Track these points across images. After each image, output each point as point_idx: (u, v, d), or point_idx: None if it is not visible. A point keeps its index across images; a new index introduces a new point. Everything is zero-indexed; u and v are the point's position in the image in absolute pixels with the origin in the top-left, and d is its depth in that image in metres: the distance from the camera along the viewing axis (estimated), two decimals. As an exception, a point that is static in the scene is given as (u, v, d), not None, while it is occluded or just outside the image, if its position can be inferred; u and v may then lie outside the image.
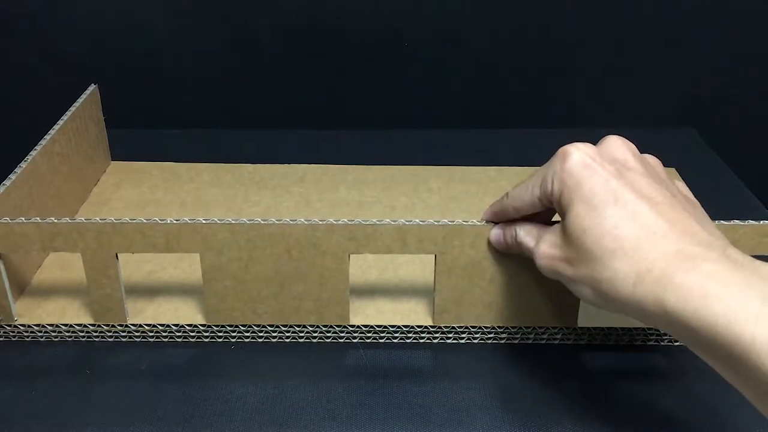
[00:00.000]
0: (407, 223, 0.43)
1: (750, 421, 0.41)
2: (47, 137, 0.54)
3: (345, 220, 0.43)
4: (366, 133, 0.75)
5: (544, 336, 0.47)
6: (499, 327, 0.47)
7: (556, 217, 0.40)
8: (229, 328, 0.47)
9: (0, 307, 0.46)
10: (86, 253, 0.44)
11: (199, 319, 0.47)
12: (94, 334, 0.47)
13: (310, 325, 0.47)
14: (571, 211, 0.36)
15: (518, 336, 0.47)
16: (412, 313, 0.48)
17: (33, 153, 0.51)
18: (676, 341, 0.47)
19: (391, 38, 0.82)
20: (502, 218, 0.43)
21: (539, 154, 0.71)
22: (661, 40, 0.83)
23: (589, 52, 0.83)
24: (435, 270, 0.45)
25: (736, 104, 0.88)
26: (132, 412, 0.42)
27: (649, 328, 0.47)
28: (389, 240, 0.43)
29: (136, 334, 0.47)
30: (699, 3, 0.81)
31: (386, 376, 0.45)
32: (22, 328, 0.47)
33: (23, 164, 0.50)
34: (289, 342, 0.47)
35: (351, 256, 0.44)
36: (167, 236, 0.43)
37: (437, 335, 0.47)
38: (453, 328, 0.47)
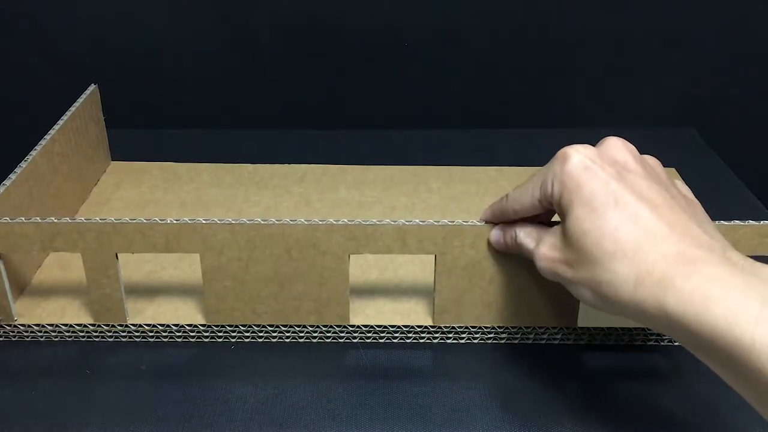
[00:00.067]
0: (407, 223, 0.43)
1: (750, 421, 0.41)
2: (47, 137, 0.54)
3: (345, 220, 0.43)
4: (366, 133, 0.75)
5: (544, 336, 0.47)
6: (499, 327, 0.47)
7: (556, 217, 0.40)
8: (229, 328, 0.47)
9: (0, 307, 0.46)
10: (86, 253, 0.44)
11: (199, 319, 0.47)
12: (94, 334, 0.47)
13: (310, 325, 0.47)
14: (571, 214, 0.36)
15: (518, 336, 0.47)
16: (412, 313, 0.48)
17: (33, 153, 0.51)
18: (676, 341, 0.47)
19: (391, 38, 0.82)
20: (502, 220, 0.43)
21: (539, 154, 0.71)
22: (661, 40, 0.83)
23: (589, 52, 0.83)
24: (435, 270, 0.45)
25: (736, 104, 0.88)
26: (132, 412, 0.42)
27: (649, 328, 0.47)
28: (389, 240, 0.43)
29: (136, 334, 0.47)
30: (699, 3, 0.81)
31: (386, 376, 0.45)
32: (22, 328, 0.47)
33: (23, 164, 0.50)
34: (289, 342, 0.47)
35: (351, 256, 0.44)
36: (167, 236, 0.43)
37: (437, 335, 0.47)
38: (453, 328, 0.47)
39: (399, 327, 0.47)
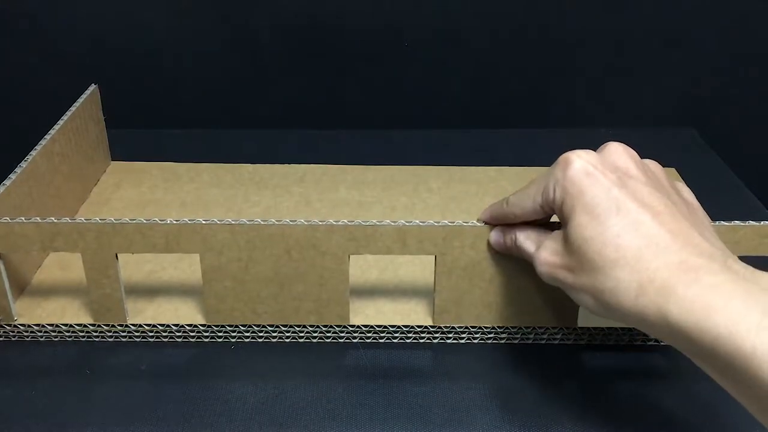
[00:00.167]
0: (407, 223, 0.43)
1: (750, 421, 0.41)
2: (47, 137, 0.54)
3: (345, 220, 0.43)
4: (366, 133, 0.75)
5: (544, 336, 0.47)
6: (499, 327, 0.47)
7: (555, 218, 0.40)
8: (229, 328, 0.47)
9: (0, 307, 0.46)
10: (86, 253, 0.44)
11: (199, 319, 0.47)
12: (94, 334, 0.47)
13: (310, 325, 0.47)
14: (573, 220, 0.36)
15: (518, 336, 0.47)
16: (412, 313, 0.48)
17: (33, 153, 0.51)
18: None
19: (391, 38, 0.82)
20: (501, 222, 0.43)
21: (539, 154, 0.71)
22: (661, 40, 0.83)
23: (589, 52, 0.83)
24: (435, 271, 0.45)
25: (736, 104, 0.88)
26: (132, 412, 0.42)
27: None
28: (389, 241, 0.43)
29: (136, 334, 0.47)
30: (699, 3, 0.81)
31: (386, 376, 0.45)
32: (22, 328, 0.47)
33: (23, 164, 0.50)
34: (289, 342, 0.47)
35: (351, 256, 0.44)
36: (167, 236, 0.43)
37: (437, 335, 0.47)
38: (453, 328, 0.47)
39: (399, 327, 0.47)
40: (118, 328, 0.47)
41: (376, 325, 0.47)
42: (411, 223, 0.43)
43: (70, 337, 0.47)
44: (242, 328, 0.47)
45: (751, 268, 0.33)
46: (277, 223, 0.43)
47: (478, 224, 0.43)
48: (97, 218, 0.43)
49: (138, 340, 0.47)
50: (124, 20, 0.80)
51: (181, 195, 0.63)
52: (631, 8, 0.81)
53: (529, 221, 0.41)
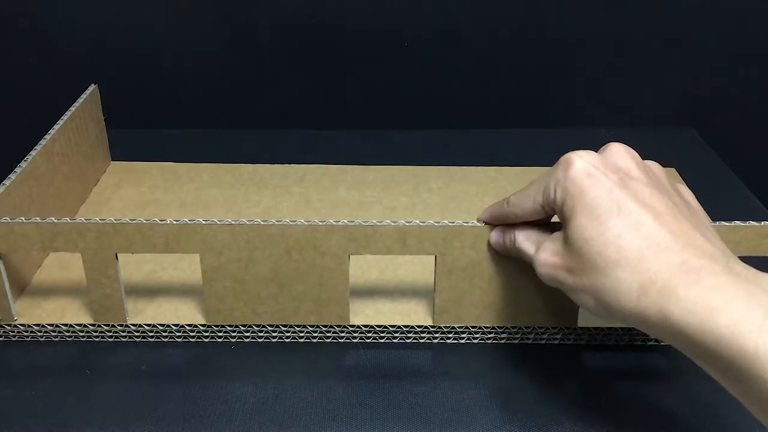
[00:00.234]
0: (407, 224, 0.43)
1: (750, 421, 0.41)
2: (47, 137, 0.54)
3: (345, 221, 0.43)
4: (366, 133, 0.75)
5: (544, 336, 0.47)
6: (499, 327, 0.47)
7: (555, 218, 0.40)
8: (229, 328, 0.47)
9: (0, 307, 0.46)
10: (86, 253, 0.44)
11: (199, 319, 0.47)
12: (94, 334, 0.47)
13: (310, 325, 0.47)
14: (574, 221, 0.36)
15: (518, 336, 0.47)
16: (412, 313, 0.48)
17: (33, 153, 0.51)
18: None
19: (391, 38, 0.82)
20: (502, 222, 0.43)
21: (539, 154, 0.71)
22: (661, 40, 0.83)
23: (589, 52, 0.83)
24: (435, 271, 0.45)
25: (736, 104, 0.88)
26: (132, 412, 0.42)
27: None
28: (389, 241, 0.43)
29: (136, 334, 0.47)
30: (699, 3, 0.81)
31: (386, 376, 0.45)
32: (22, 328, 0.47)
33: (23, 164, 0.50)
34: (289, 342, 0.47)
35: (351, 256, 0.44)
36: (167, 236, 0.43)
37: (437, 335, 0.47)
38: (453, 328, 0.47)
39: (399, 327, 0.47)
40: (118, 328, 0.47)
41: (376, 325, 0.47)
42: (411, 223, 0.43)
43: (70, 337, 0.47)
44: (242, 328, 0.47)
45: (753, 270, 0.33)
46: (277, 223, 0.43)
47: (478, 224, 0.43)
48: (97, 218, 0.43)
49: (138, 340, 0.47)
50: (124, 20, 0.81)
51: (181, 195, 0.63)
52: (631, 8, 0.81)
53: (529, 222, 0.41)
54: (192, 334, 0.47)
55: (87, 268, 0.45)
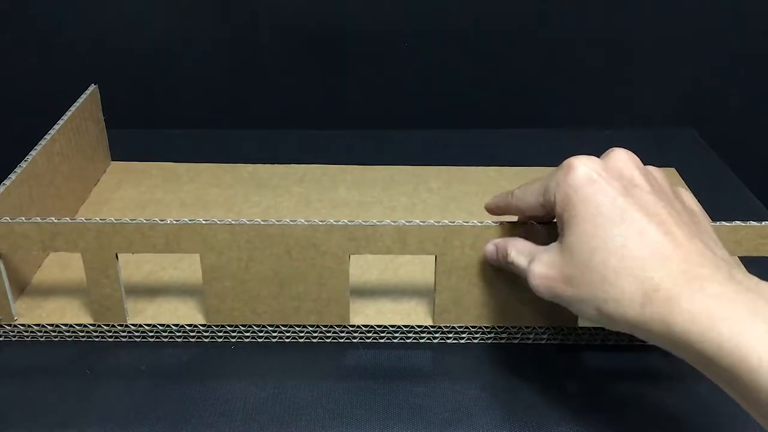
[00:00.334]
0: (407, 223, 0.43)
1: (750, 421, 0.41)
2: (47, 137, 0.54)
3: (345, 220, 0.43)
4: (366, 133, 0.75)
5: (544, 336, 0.47)
6: (499, 327, 0.47)
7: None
8: (229, 328, 0.47)
9: (0, 306, 0.46)
10: (86, 253, 0.44)
11: (199, 319, 0.47)
12: (94, 334, 0.47)
13: (310, 325, 0.47)
14: (576, 228, 0.35)
15: (518, 336, 0.47)
16: (412, 313, 0.48)
17: (33, 153, 0.51)
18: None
19: (391, 38, 0.82)
20: (504, 213, 0.43)
21: (539, 154, 0.71)
22: (660, 40, 0.83)
23: (589, 52, 0.83)
24: (435, 271, 0.45)
25: (736, 104, 0.88)
26: (132, 412, 0.42)
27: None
28: (389, 241, 0.43)
29: (136, 334, 0.47)
30: (699, 3, 0.81)
31: (386, 376, 0.45)
32: (22, 328, 0.47)
33: (23, 164, 0.50)
34: (289, 342, 0.47)
35: (351, 256, 0.44)
36: (167, 236, 0.43)
37: (437, 335, 0.47)
38: (453, 328, 0.47)
39: (399, 327, 0.47)
40: (118, 328, 0.47)
41: (376, 325, 0.47)
42: (411, 223, 0.43)
43: (70, 337, 0.47)
44: (242, 328, 0.47)
45: (755, 278, 0.33)
46: (277, 223, 0.43)
47: (478, 224, 0.43)
48: (97, 218, 0.43)
49: (138, 340, 0.47)
50: (124, 20, 0.81)
51: (181, 195, 0.63)
52: (631, 8, 0.81)
53: (523, 236, 0.41)
54: (192, 334, 0.47)
55: (87, 268, 0.45)
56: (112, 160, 0.67)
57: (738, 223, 0.43)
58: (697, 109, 0.87)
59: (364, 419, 0.42)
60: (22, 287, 0.50)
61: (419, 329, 0.47)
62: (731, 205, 0.62)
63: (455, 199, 0.62)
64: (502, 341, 0.47)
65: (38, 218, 0.43)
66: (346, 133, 0.75)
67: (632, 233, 0.34)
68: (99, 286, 0.45)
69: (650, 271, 0.33)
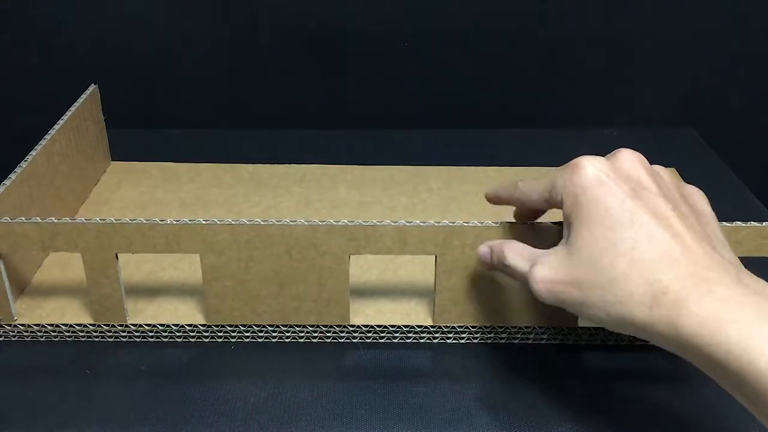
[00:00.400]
0: (407, 224, 0.43)
1: (750, 421, 0.41)
2: (47, 137, 0.54)
3: (345, 221, 0.43)
4: (366, 133, 0.75)
5: (544, 336, 0.47)
6: (499, 327, 0.47)
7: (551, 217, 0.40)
8: (229, 328, 0.47)
9: (0, 306, 0.46)
10: (86, 253, 0.44)
11: (199, 319, 0.47)
12: (94, 334, 0.47)
13: (310, 325, 0.47)
14: (584, 230, 0.35)
15: (518, 336, 0.47)
16: (412, 313, 0.48)
17: (33, 153, 0.51)
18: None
19: (391, 38, 0.82)
20: (505, 203, 0.43)
21: (539, 154, 0.71)
22: (660, 40, 0.83)
23: (589, 52, 0.83)
24: (435, 271, 0.45)
25: (736, 104, 0.88)
26: (132, 412, 0.42)
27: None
28: (389, 241, 0.43)
29: (136, 334, 0.47)
30: (699, 3, 0.81)
31: (386, 376, 0.45)
32: (22, 328, 0.47)
33: (23, 164, 0.50)
34: (289, 342, 0.47)
35: (351, 256, 0.44)
36: (167, 236, 0.43)
37: (437, 335, 0.47)
38: (453, 328, 0.47)
39: (399, 327, 0.47)
40: (118, 328, 0.47)
41: (376, 325, 0.47)
42: (411, 223, 0.43)
43: (70, 337, 0.47)
44: (242, 328, 0.47)
45: (762, 282, 0.33)
46: (277, 223, 0.43)
47: (478, 224, 0.43)
48: (97, 218, 0.43)
49: (138, 340, 0.47)
50: (124, 20, 0.81)
51: (181, 195, 0.63)
52: (631, 8, 0.81)
53: (521, 238, 0.41)
54: (192, 334, 0.47)
55: (87, 268, 0.45)
56: (112, 160, 0.67)
57: (738, 223, 0.43)
58: (697, 109, 0.87)
59: (364, 419, 0.42)
60: (22, 287, 0.50)
61: (419, 329, 0.47)
62: (731, 205, 0.62)
63: (455, 199, 0.62)
64: (502, 341, 0.47)
65: (38, 218, 0.43)
66: (346, 133, 0.75)
67: (641, 236, 0.34)
68: (99, 286, 0.45)
69: (659, 273, 0.33)
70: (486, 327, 0.47)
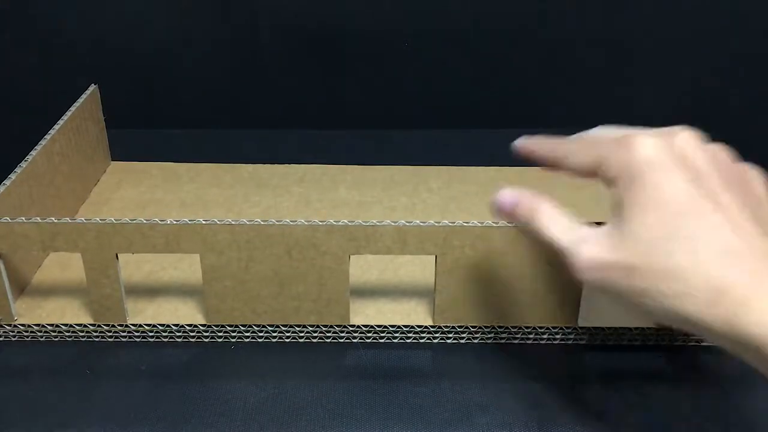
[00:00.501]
0: (407, 224, 0.43)
1: (751, 421, 0.41)
2: (47, 137, 0.54)
3: (345, 221, 0.43)
4: (366, 133, 0.75)
5: (544, 336, 0.47)
6: (499, 327, 0.47)
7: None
8: (229, 328, 0.47)
9: (0, 306, 0.46)
10: (86, 253, 0.44)
11: (199, 319, 0.47)
12: (94, 334, 0.47)
13: (310, 325, 0.47)
14: (640, 215, 0.33)
15: (518, 336, 0.47)
16: (412, 313, 0.48)
17: (33, 153, 0.51)
18: (675, 342, 0.47)
19: (391, 38, 0.82)
20: (537, 160, 0.39)
21: (539, 154, 0.70)
22: (660, 40, 0.83)
23: (589, 52, 0.83)
24: (435, 271, 0.45)
25: (736, 104, 0.87)
26: (132, 412, 0.42)
27: (649, 328, 0.47)
28: (389, 241, 0.43)
29: (136, 334, 0.47)
30: (699, 3, 0.81)
31: (386, 376, 0.45)
32: (22, 328, 0.47)
33: (23, 164, 0.50)
34: (289, 342, 0.47)
35: (351, 256, 0.44)
36: (167, 236, 0.43)
37: (437, 335, 0.47)
38: (453, 328, 0.47)
39: (399, 327, 0.47)
40: (118, 328, 0.47)
41: (376, 325, 0.47)
42: (411, 223, 0.43)
43: (70, 337, 0.47)
44: (242, 328, 0.47)
45: None
46: (277, 223, 0.43)
47: (478, 224, 0.43)
48: (97, 218, 0.43)
49: (138, 340, 0.47)
50: (124, 20, 0.80)
51: (181, 195, 0.63)
52: (631, 8, 0.81)
53: (552, 203, 0.37)
54: (192, 334, 0.47)
55: (87, 268, 0.45)
56: (112, 160, 0.67)
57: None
58: (697, 109, 0.87)
59: (364, 419, 0.42)
60: (22, 287, 0.50)
61: (419, 329, 0.47)
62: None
63: (455, 199, 0.62)
64: (502, 341, 0.47)
65: (38, 218, 0.43)
66: (346, 133, 0.75)
67: (702, 228, 0.32)
68: (99, 286, 0.45)
69: (719, 269, 0.31)
70: (486, 327, 0.47)
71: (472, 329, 0.47)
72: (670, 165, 0.33)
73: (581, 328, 0.47)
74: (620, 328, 0.47)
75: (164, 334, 0.47)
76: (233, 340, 0.47)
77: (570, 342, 0.47)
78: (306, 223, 0.43)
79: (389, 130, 0.77)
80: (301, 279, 0.45)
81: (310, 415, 0.42)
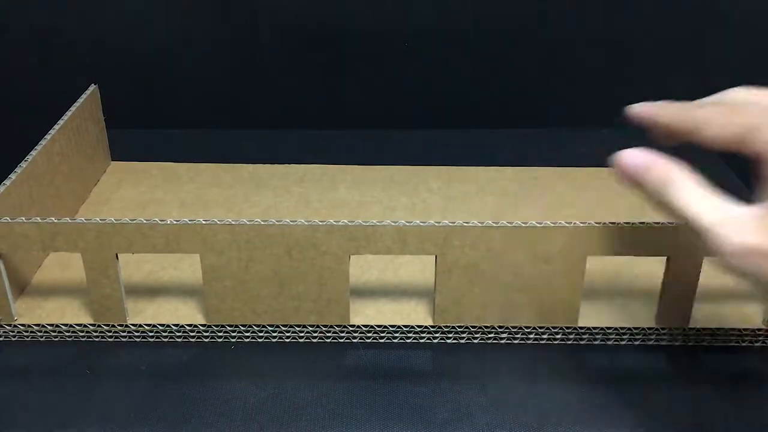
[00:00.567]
0: (407, 224, 0.43)
1: (751, 421, 0.41)
2: (47, 137, 0.54)
3: (345, 221, 0.43)
4: (366, 133, 0.75)
5: (544, 336, 0.47)
6: (499, 327, 0.47)
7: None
8: (229, 328, 0.47)
9: (0, 306, 0.46)
10: (86, 253, 0.44)
11: (199, 319, 0.47)
12: (94, 334, 0.47)
13: (310, 325, 0.47)
14: None
15: (518, 336, 0.47)
16: (412, 313, 0.48)
17: (33, 153, 0.51)
18: (675, 342, 0.47)
19: (391, 38, 0.82)
20: (674, 126, 0.36)
21: (539, 154, 0.71)
22: (661, 40, 0.83)
23: (589, 52, 0.83)
24: (435, 271, 0.45)
25: (736, 104, 0.87)
26: (132, 412, 0.42)
27: (649, 328, 0.47)
28: (389, 241, 0.43)
29: (136, 334, 0.47)
30: (699, 3, 0.81)
31: (386, 376, 0.45)
32: (22, 328, 0.47)
33: (23, 164, 0.50)
34: (289, 342, 0.47)
35: (351, 256, 0.44)
36: (167, 236, 0.43)
37: (437, 335, 0.47)
38: (453, 328, 0.47)
39: (399, 327, 0.47)
40: (118, 328, 0.47)
41: (376, 325, 0.47)
42: (411, 223, 0.43)
43: (70, 337, 0.47)
44: (242, 328, 0.47)
45: None
46: (277, 223, 0.43)
47: (478, 224, 0.43)
48: (97, 218, 0.43)
49: (138, 340, 0.47)
50: (124, 20, 0.80)
51: (181, 195, 0.63)
52: (631, 8, 0.81)
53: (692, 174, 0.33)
54: (192, 334, 0.47)
55: (87, 268, 0.45)
56: (112, 160, 0.67)
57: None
58: (697, 109, 0.87)
59: (364, 419, 0.42)
60: (22, 287, 0.50)
61: (419, 329, 0.47)
62: (731, 205, 0.62)
63: (455, 199, 0.62)
64: (502, 341, 0.47)
65: (38, 218, 0.43)
66: (346, 133, 0.75)
67: None
68: (99, 286, 0.45)
69: None
70: (486, 327, 0.47)
71: (472, 329, 0.47)
72: None
73: (581, 328, 0.47)
74: (620, 327, 0.47)
75: (164, 334, 0.47)
76: (233, 340, 0.47)
77: (570, 342, 0.47)
78: (306, 223, 0.43)
79: (389, 130, 0.77)
80: (301, 279, 0.45)
81: (310, 415, 0.42)
